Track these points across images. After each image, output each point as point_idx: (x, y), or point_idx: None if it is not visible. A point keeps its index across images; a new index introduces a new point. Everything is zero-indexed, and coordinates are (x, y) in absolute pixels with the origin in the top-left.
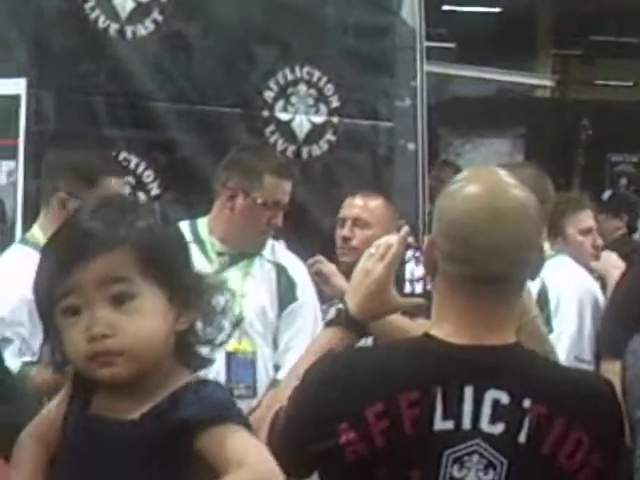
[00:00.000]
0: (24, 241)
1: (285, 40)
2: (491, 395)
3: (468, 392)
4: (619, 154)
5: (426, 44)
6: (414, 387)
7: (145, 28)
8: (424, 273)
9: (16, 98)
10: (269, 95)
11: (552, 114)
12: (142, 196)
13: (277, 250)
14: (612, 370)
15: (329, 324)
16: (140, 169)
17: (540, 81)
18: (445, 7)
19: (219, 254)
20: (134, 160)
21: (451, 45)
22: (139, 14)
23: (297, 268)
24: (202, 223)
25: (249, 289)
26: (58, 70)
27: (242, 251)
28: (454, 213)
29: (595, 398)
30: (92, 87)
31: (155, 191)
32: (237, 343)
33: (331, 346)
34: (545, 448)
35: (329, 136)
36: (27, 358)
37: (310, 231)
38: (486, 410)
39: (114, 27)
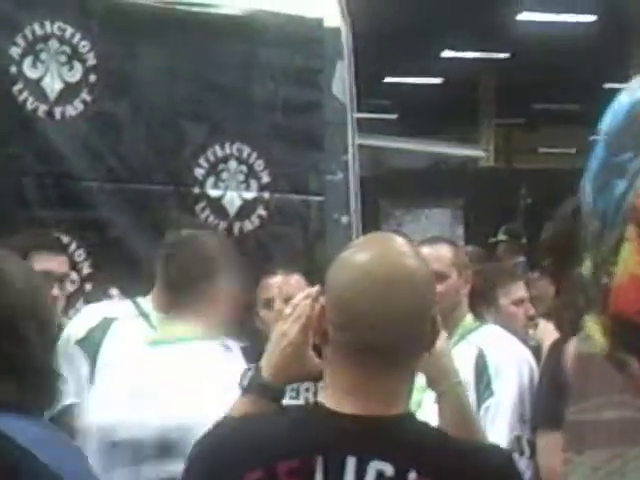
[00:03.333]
0: None
1: (214, 117)
2: (375, 466)
3: (350, 462)
4: None
5: (367, 116)
6: (294, 455)
7: (74, 108)
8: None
9: None
10: (200, 172)
11: (491, 184)
12: (74, 275)
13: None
14: (553, 442)
15: (243, 392)
16: (71, 248)
17: (477, 152)
18: (387, 79)
19: None
20: (65, 239)
21: (393, 117)
22: (68, 95)
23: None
24: (145, 300)
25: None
26: None
27: None
28: (340, 279)
29: (488, 472)
30: (21, 168)
31: (86, 270)
32: None
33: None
34: None
35: (260, 211)
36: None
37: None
38: None
39: (43, 108)
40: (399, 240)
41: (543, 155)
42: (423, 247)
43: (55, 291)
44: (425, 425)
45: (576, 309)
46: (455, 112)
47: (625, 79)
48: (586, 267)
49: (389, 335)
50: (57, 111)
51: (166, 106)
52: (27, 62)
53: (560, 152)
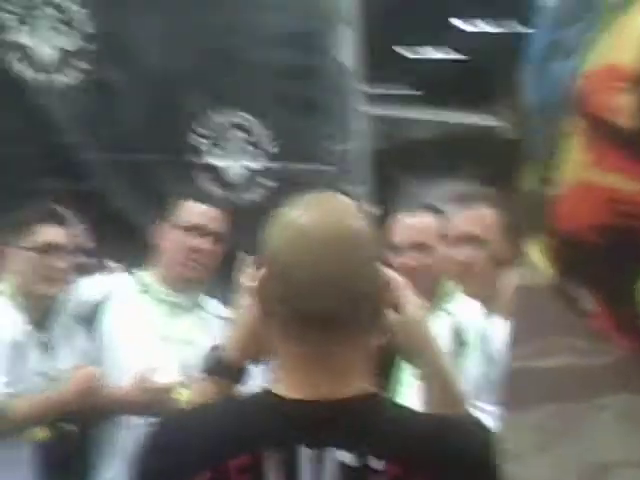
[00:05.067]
0: None
1: (215, 85)
2: (332, 456)
3: (304, 454)
4: None
5: (383, 89)
6: (243, 451)
7: (71, 77)
8: None
9: None
10: (201, 141)
11: (509, 156)
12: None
13: (219, 306)
14: None
15: (205, 372)
16: (70, 220)
17: (496, 122)
18: (407, 54)
19: (166, 302)
20: (63, 211)
21: (412, 92)
22: (64, 63)
23: None
24: (145, 272)
25: (198, 338)
26: None
27: (185, 291)
28: (274, 244)
29: (463, 448)
30: (18, 139)
31: (86, 243)
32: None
33: (209, 399)
34: None
35: (267, 182)
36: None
37: None
38: (328, 475)
39: (39, 77)
40: (338, 199)
41: None
42: (405, 217)
43: (60, 263)
44: (389, 404)
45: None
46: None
47: None
48: (527, 181)
49: (326, 302)
50: (54, 80)
51: (164, 74)
52: (24, 29)
53: None
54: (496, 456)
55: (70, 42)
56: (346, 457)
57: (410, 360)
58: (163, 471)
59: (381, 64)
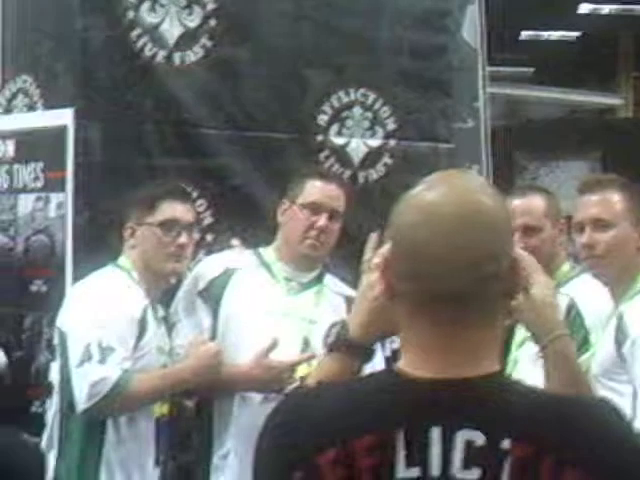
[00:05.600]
0: (118, 266)
1: (338, 63)
2: (463, 436)
3: (435, 434)
4: None
5: (503, 69)
6: (371, 431)
7: (194, 54)
8: None
9: (63, 129)
10: (323, 119)
11: (630, 135)
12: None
13: (340, 283)
14: None
15: (328, 350)
16: (192, 197)
17: (614, 100)
18: (524, 34)
19: (287, 279)
20: (186, 189)
21: (529, 70)
22: (187, 40)
23: None
24: (267, 250)
25: (320, 316)
26: (105, 100)
27: (306, 269)
28: (404, 222)
29: (592, 428)
30: (140, 116)
31: (208, 220)
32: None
33: (332, 376)
34: None
35: (386, 159)
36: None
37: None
38: (458, 454)
39: (162, 54)
40: (469, 176)
41: None
42: (513, 199)
43: (183, 239)
44: (518, 385)
45: None
46: (592, 66)
47: None
48: None
49: (459, 280)
50: (176, 57)
51: (288, 52)
52: (145, 7)
53: None
54: (634, 439)
55: (193, 18)
56: (476, 437)
57: (538, 340)
58: (288, 447)
59: (502, 45)
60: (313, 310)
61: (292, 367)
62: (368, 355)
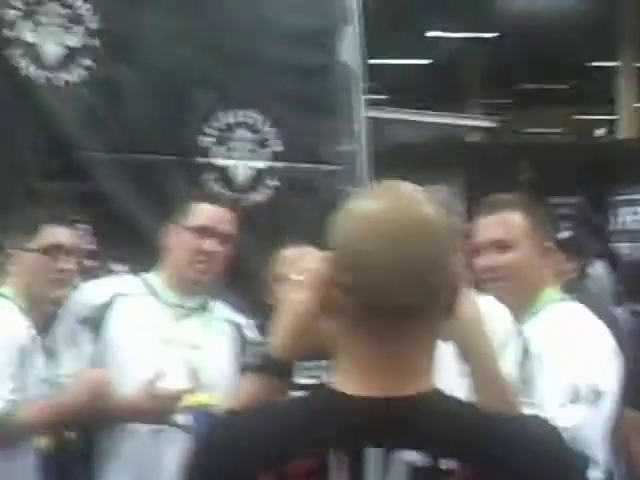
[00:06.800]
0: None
1: (222, 83)
2: (402, 457)
3: (372, 455)
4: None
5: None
6: (307, 453)
7: (75, 75)
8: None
9: None
10: (207, 141)
11: (489, 158)
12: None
13: (227, 310)
14: None
15: (249, 369)
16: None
17: (478, 123)
18: (373, 61)
19: (174, 305)
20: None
21: (383, 97)
22: (69, 60)
23: (250, 326)
24: (152, 275)
25: (205, 341)
26: None
27: (193, 294)
28: (347, 232)
29: (532, 447)
30: (20, 137)
31: (90, 245)
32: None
33: (257, 398)
34: None
35: (272, 181)
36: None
37: (252, 280)
38: (396, 476)
39: (43, 74)
40: (411, 187)
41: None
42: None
43: (65, 265)
44: (455, 402)
45: None
46: (443, 91)
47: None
48: None
49: (406, 291)
50: (58, 77)
51: (172, 72)
52: (25, 26)
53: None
54: (574, 457)
55: (74, 38)
56: (415, 457)
57: (465, 360)
58: (220, 469)
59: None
60: (200, 335)
61: (177, 396)
62: (287, 375)
